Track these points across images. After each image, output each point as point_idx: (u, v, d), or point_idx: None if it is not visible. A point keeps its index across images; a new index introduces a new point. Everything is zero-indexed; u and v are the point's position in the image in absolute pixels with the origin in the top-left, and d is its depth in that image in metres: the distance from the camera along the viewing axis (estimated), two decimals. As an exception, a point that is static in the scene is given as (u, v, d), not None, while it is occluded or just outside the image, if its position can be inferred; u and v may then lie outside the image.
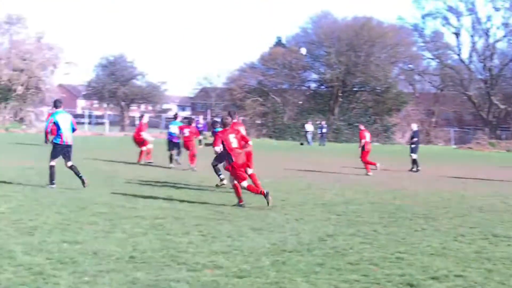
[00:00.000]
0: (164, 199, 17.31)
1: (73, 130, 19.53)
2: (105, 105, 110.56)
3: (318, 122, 72.58)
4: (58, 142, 19.19)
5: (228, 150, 17.03)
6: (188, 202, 16.92)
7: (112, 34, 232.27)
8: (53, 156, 19.28)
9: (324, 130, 67.39)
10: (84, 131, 67.33)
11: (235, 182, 16.89)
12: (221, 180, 21.22)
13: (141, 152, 30.06)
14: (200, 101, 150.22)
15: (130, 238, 11.62)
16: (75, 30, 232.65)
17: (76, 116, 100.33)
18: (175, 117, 31.22)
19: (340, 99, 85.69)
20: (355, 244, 11.97)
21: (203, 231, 12.67)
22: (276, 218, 14.72)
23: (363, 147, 30.33)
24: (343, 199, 19.17)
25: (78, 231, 12.05)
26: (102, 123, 79.69)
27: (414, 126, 35.01)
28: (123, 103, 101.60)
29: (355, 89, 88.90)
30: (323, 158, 41.04)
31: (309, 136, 66.87)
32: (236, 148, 17.04)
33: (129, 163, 29.17)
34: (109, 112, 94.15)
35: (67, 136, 19.26)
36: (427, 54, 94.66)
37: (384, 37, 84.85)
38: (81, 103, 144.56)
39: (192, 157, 27.92)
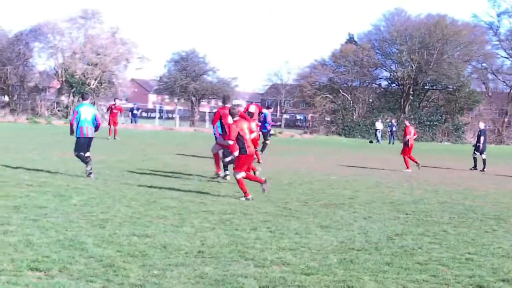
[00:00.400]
0: (232, 194, 17.39)
1: (96, 124, 19.78)
2: (175, 100, 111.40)
3: (388, 120, 72.10)
4: (79, 135, 19.52)
5: (244, 140, 17.01)
6: (256, 198, 16.97)
7: (185, 29, 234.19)
8: (77, 149, 19.72)
9: (394, 129, 66.85)
10: (154, 126, 68.02)
11: (238, 175, 16.80)
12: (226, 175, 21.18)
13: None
14: (270, 98, 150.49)
15: (198, 233, 11.72)
16: (148, 25, 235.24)
17: (147, 110, 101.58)
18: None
19: (411, 98, 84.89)
20: (424, 243, 11.87)
21: (271, 227, 12.71)
22: (344, 216, 14.68)
23: (406, 143, 30.30)
24: (411, 198, 19.01)
25: (147, 225, 12.20)
26: (173, 118, 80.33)
27: (482, 125, 34.52)
28: (193, 98, 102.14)
29: (426, 87, 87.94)
30: (392, 157, 40.70)
31: (379, 134, 66.46)
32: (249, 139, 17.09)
33: (199, 157, 29.34)
34: (179, 107, 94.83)
35: (87, 128, 19.51)
36: (502, 53, 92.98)
37: (457, 35, 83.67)
38: (152, 97, 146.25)
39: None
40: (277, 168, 26.66)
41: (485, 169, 32.17)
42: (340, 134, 77.43)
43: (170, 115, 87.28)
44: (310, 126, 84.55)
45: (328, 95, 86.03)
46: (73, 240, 10.40)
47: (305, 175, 23.94)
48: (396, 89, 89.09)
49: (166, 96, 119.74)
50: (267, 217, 13.89)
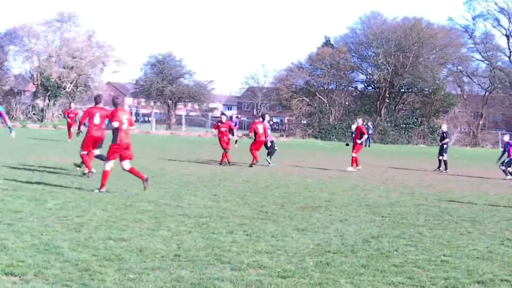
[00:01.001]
0: (209, 198, 17.39)
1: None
2: (152, 103, 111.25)
3: (364, 123, 72.37)
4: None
5: (118, 131, 18.03)
6: (233, 201, 16.98)
7: (161, 32, 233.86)
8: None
9: (370, 131, 67.05)
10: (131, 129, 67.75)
11: (107, 166, 17.79)
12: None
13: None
14: (246, 100, 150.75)
15: (175, 236, 11.70)
16: (125, 28, 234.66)
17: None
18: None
19: (387, 100, 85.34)
20: (399, 246, 11.91)
21: (247, 230, 12.71)
22: (320, 219, 14.71)
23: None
24: (387, 200, 19.09)
25: (123, 228, 12.16)
26: (149, 121, 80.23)
27: (444, 127, 35.09)
28: (170, 102, 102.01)
29: (402, 90, 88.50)
30: (369, 160, 40.84)
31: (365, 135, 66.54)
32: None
33: (175, 160, 29.27)
34: (155, 110, 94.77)
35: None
36: (477, 56, 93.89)
37: (433, 38, 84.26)
38: (128, 101, 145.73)
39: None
40: (254, 171, 26.68)
41: (441, 170, 32.93)
42: (316, 137, 77.64)
43: (146, 119, 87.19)
44: (287, 129, 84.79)
45: (304, 98, 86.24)
46: (49, 244, 10.34)
47: (281, 178, 23.98)
48: (372, 92, 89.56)
49: (142, 100, 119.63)
50: (244, 220, 13.89)
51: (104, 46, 73.25)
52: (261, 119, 30.92)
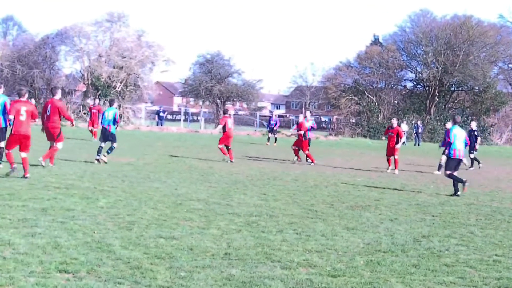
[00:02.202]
0: (258, 196, 17.42)
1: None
2: (200, 103, 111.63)
3: (413, 122, 71.83)
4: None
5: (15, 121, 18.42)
6: (282, 200, 17.00)
7: (210, 32, 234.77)
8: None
9: (419, 130, 66.56)
10: (179, 128, 68.19)
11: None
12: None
13: None
14: (294, 100, 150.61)
15: (225, 235, 11.75)
16: (174, 28, 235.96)
17: (172, 113, 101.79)
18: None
19: (437, 99, 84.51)
20: (450, 245, 11.83)
21: (297, 229, 12.72)
22: (370, 218, 14.66)
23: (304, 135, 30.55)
24: (438, 200, 18.95)
25: (174, 227, 12.25)
26: (198, 120, 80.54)
27: (474, 125, 34.55)
28: (218, 101, 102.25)
29: (452, 88, 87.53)
30: (418, 158, 40.57)
31: (404, 136, 66.12)
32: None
33: (224, 160, 29.34)
34: (204, 110, 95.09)
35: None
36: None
37: (483, 36, 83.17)
38: (177, 100, 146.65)
39: None
40: (303, 170, 26.66)
41: (480, 165, 33.07)
42: (365, 136, 77.22)
43: (195, 118, 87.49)
44: (335, 128, 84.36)
45: (353, 96, 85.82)
46: (101, 242, 10.46)
47: (330, 177, 23.93)
48: (422, 91, 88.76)
49: (191, 99, 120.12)
50: (293, 219, 13.90)
51: (153, 46, 73.53)
52: (227, 114, 30.04)
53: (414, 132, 67.15)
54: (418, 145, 64.11)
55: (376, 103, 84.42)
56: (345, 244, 11.50)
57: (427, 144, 68.23)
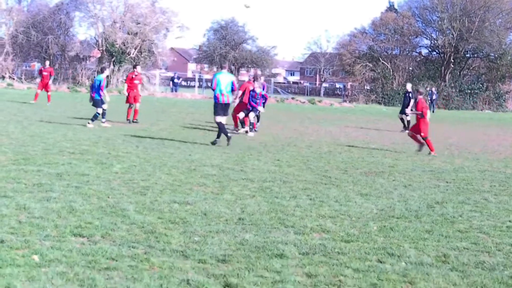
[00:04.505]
0: (272, 162, 17.45)
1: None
2: (215, 69, 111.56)
3: (428, 89, 71.56)
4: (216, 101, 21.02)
5: None
6: (296, 166, 17.02)
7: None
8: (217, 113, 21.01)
9: (434, 97, 66.24)
10: (194, 95, 68.20)
11: None
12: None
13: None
14: (309, 66, 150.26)
15: (238, 200, 11.79)
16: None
17: (186, 79, 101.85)
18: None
19: (452, 66, 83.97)
20: (464, 211, 11.83)
21: (310, 195, 12.75)
22: (383, 184, 14.67)
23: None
24: (452, 166, 18.91)
25: (188, 192, 12.30)
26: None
27: (409, 87, 34.39)
28: (232, 67, 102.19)
29: (467, 55, 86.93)
30: (432, 125, 40.44)
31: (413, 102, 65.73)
32: None
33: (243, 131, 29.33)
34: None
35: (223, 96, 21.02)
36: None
37: (499, 2, 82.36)
38: (191, 66, 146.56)
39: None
40: (317, 137, 26.66)
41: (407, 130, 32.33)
42: (379, 103, 76.96)
43: (209, 84, 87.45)
44: (350, 94, 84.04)
45: (367, 63, 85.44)
46: (115, 207, 10.52)
47: (345, 144, 23.92)
48: (437, 57, 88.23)
49: (206, 65, 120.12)
50: (307, 185, 13.93)
51: (168, 12, 73.26)
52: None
53: (429, 99, 66.85)
54: (433, 111, 63.76)
55: (391, 70, 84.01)
56: (359, 210, 11.53)
57: (441, 111, 68.01)
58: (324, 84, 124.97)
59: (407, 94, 33.42)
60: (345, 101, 78.73)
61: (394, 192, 13.61)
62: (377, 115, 51.46)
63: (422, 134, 22.07)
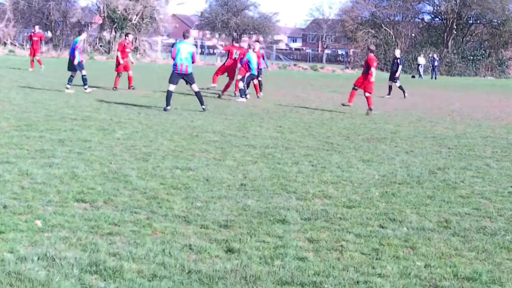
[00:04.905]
0: (274, 129, 17.45)
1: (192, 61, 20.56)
2: (217, 36, 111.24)
3: (430, 55, 71.31)
4: (174, 70, 19.88)
5: None
6: (298, 132, 17.02)
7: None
8: (171, 81, 20.52)
9: (436, 63, 66.03)
10: (195, 61, 67.93)
11: None
12: None
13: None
14: (311, 33, 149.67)
15: (240, 166, 11.80)
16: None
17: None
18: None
19: (454, 32, 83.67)
20: (466, 177, 11.84)
21: (312, 161, 12.76)
22: (385, 150, 14.67)
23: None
24: (454, 132, 18.91)
25: (190, 158, 12.31)
26: (214, 54, 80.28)
27: (397, 53, 34.33)
28: (234, 34, 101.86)
29: (470, 21, 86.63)
30: (434, 92, 40.40)
31: (421, 69, 65.67)
32: None
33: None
34: (220, 43, 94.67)
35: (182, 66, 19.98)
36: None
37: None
38: (193, 33, 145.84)
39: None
40: (319, 103, 26.64)
41: (406, 95, 32.74)
42: (382, 69, 76.80)
43: (211, 51, 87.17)
44: (352, 61, 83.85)
45: (370, 30, 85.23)
46: (117, 172, 10.54)
47: (346, 110, 23.88)
48: (439, 24, 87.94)
49: (208, 32, 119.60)
50: (309, 151, 13.93)
51: (169, -23, 73.10)
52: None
53: (431, 65, 66.64)
54: (435, 78, 63.70)
55: (393, 36, 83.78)
56: (361, 176, 11.54)
57: (444, 78, 67.88)
58: (326, 51, 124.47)
59: (396, 61, 33.40)
60: (347, 67, 78.58)
61: (396, 158, 13.62)
62: (379, 82, 51.22)
63: (368, 92, 23.21)
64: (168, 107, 20.04)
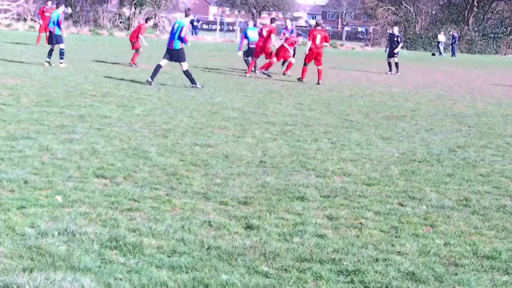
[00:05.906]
0: (293, 106, 17.43)
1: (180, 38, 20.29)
2: (236, 12, 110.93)
3: (450, 33, 70.84)
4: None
5: None
6: (317, 110, 16.99)
7: None
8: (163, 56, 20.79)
9: (456, 41, 65.55)
10: (215, 38, 67.89)
11: None
12: None
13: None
14: (331, 10, 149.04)
15: (260, 143, 11.81)
16: None
17: (208, 22, 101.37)
18: None
19: (475, 9, 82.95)
20: (486, 156, 11.81)
21: (332, 138, 12.75)
22: (405, 128, 14.63)
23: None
24: (474, 110, 18.82)
25: (209, 135, 12.33)
26: (233, 30, 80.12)
27: (396, 30, 34.18)
28: (254, 10, 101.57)
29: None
30: (455, 69, 40.15)
31: (441, 47, 65.26)
32: None
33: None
34: (240, 19, 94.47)
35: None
36: None
37: None
38: (213, 10, 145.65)
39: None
40: (338, 80, 26.55)
41: (398, 72, 32.52)
42: (402, 47, 76.40)
43: (230, 28, 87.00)
44: (372, 38, 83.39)
45: (390, 6, 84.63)
46: (137, 149, 10.57)
47: (366, 88, 23.82)
48: (460, 1, 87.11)
49: (227, 8, 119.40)
50: (328, 129, 13.92)
51: (189, -47, 72.84)
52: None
53: (451, 43, 66.19)
54: (454, 55, 63.27)
55: (414, 13, 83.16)
56: (380, 153, 11.52)
57: (464, 55, 67.45)
58: (346, 28, 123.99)
59: (395, 38, 33.16)
60: (367, 45, 78.13)
61: (415, 136, 13.58)
62: (399, 59, 51.04)
63: (276, 59, 25.91)
64: (150, 79, 20.28)
